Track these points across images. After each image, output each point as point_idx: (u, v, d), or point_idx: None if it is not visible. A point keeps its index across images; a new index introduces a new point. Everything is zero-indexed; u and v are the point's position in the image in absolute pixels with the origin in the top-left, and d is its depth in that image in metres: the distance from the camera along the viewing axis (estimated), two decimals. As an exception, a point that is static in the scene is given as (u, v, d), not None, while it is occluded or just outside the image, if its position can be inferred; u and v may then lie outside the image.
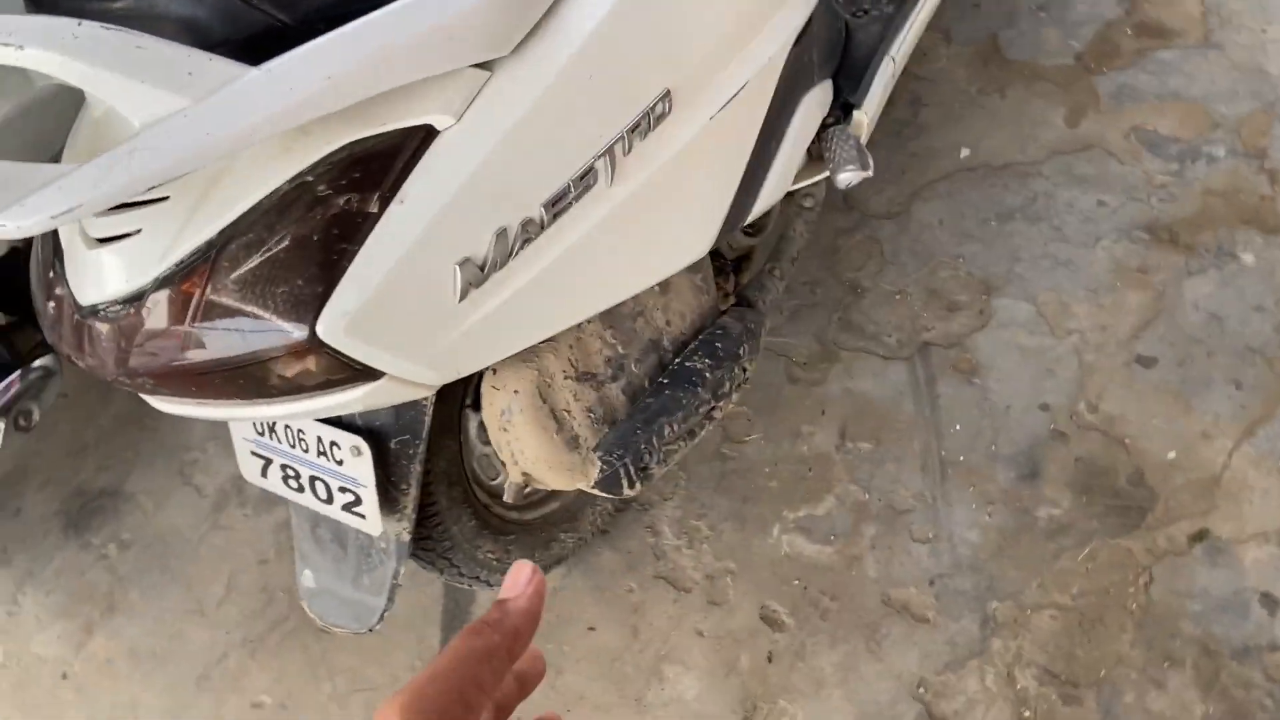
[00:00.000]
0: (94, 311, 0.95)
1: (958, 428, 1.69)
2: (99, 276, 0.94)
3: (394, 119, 0.92)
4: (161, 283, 0.91)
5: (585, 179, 1.05)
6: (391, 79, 0.87)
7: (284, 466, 1.30)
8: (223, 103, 0.80)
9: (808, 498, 1.66)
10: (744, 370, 1.41)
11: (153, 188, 0.83)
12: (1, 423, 1.53)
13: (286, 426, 1.28)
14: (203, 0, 0.91)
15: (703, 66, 1.17)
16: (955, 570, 1.55)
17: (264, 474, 1.32)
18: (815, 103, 1.45)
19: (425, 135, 0.94)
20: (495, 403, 1.26)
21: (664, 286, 1.34)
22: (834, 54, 1.53)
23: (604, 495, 1.33)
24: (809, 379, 1.79)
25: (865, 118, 1.53)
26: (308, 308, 0.90)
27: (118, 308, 0.94)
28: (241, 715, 1.61)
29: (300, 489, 1.29)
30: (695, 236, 1.27)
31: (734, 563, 1.62)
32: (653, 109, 1.09)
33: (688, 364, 1.36)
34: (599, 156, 1.05)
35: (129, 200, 0.84)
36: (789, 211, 1.64)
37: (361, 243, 0.91)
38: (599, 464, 1.27)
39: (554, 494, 1.61)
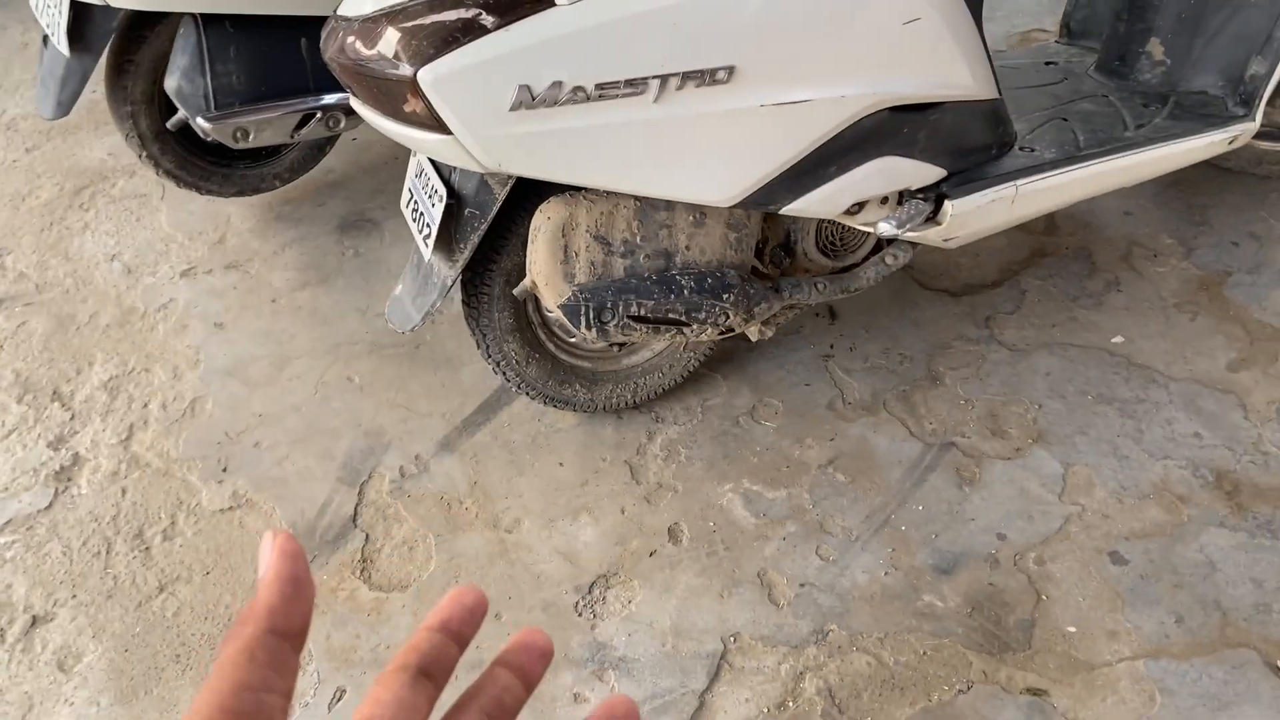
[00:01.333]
0: (341, 19, 1.46)
1: (920, 507, 1.88)
2: (355, 3, 1.46)
3: None
4: (379, 13, 1.40)
5: (635, 85, 1.38)
6: None
7: (415, 202, 1.76)
8: None
9: (769, 482, 1.95)
10: (724, 315, 1.70)
11: None
12: (324, 123, 2.24)
13: (425, 173, 1.70)
14: None
15: (773, 67, 1.43)
16: (827, 589, 1.77)
17: (408, 205, 1.80)
18: (901, 170, 1.66)
19: (546, 2, 1.34)
20: (535, 220, 1.63)
21: (700, 221, 1.66)
22: (957, 152, 1.73)
23: (564, 321, 1.66)
24: (842, 413, 2.06)
25: (950, 214, 1.72)
26: (422, 59, 1.33)
27: (353, 20, 1.43)
28: (339, 383, 2.21)
29: (412, 217, 1.75)
30: (713, 186, 1.53)
31: (681, 486, 1.95)
32: (713, 71, 1.40)
33: (678, 277, 1.67)
34: (653, 78, 1.38)
35: None
36: (870, 255, 1.92)
37: (471, 40, 1.33)
38: (570, 294, 1.64)
39: (585, 354, 1.98)
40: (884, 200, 1.72)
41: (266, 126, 2.19)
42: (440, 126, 1.39)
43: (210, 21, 2.10)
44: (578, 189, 1.59)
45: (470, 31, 1.34)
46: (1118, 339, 2.17)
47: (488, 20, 1.34)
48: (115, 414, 2.17)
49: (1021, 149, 1.88)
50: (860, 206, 1.70)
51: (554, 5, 1.34)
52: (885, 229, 1.69)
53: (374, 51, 1.39)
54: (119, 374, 2.25)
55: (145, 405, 2.18)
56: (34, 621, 1.83)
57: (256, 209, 2.63)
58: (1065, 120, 2.00)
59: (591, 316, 1.66)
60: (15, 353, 2.31)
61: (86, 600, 1.85)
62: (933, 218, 1.75)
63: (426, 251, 1.68)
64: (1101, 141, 1.94)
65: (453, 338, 2.26)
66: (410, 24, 1.37)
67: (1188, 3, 2.05)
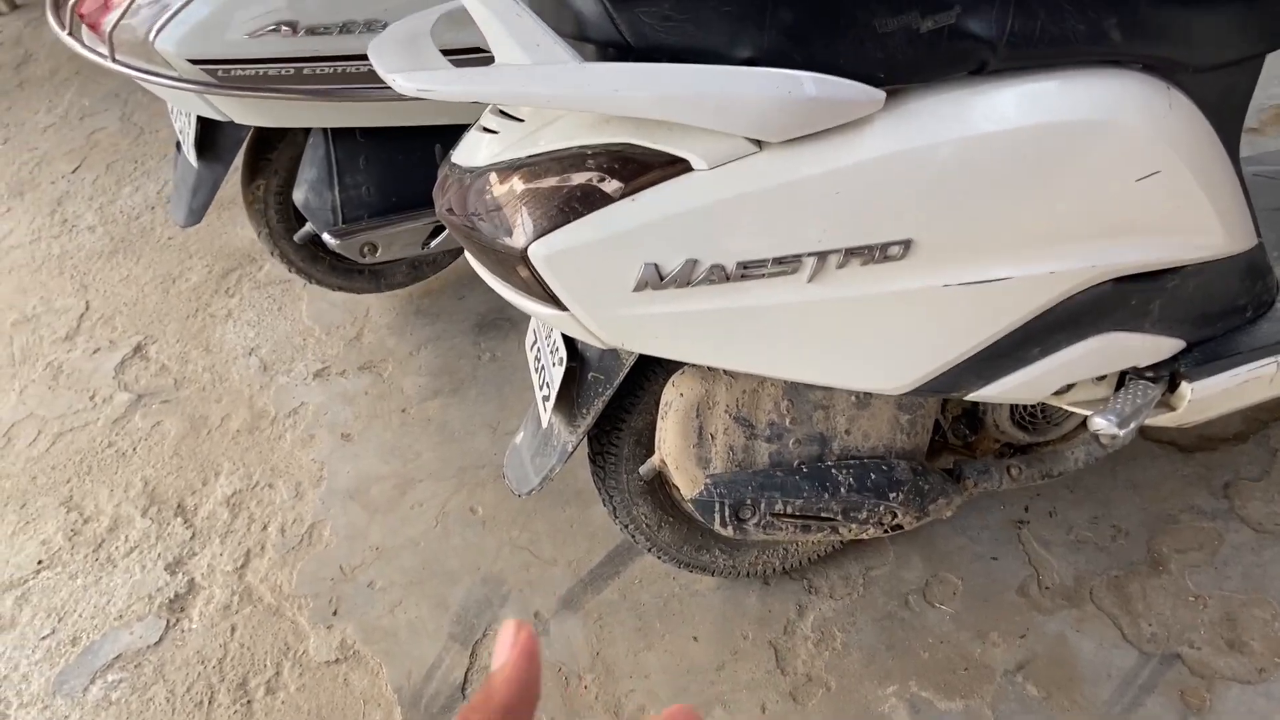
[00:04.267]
0: (455, 168, 1.31)
1: (1132, 742, 1.57)
2: (469, 149, 1.30)
3: (667, 143, 1.13)
4: (490, 169, 1.23)
5: (786, 264, 1.18)
6: (683, 117, 1.08)
7: (536, 344, 1.62)
8: (550, 72, 1.08)
9: (942, 688, 1.66)
10: (890, 515, 1.47)
11: (507, 108, 1.19)
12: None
13: (549, 328, 1.56)
14: (587, 6, 1.14)
15: (960, 240, 1.21)
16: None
17: (529, 347, 1.66)
18: (1126, 348, 1.39)
19: (680, 166, 1.14)
20: (668, 394, 1.46)
21: (864, 402, 1.44)
22: (1200, 320, 1.44)
23: (697, 516, 1.48)
24: (1036, 601, 1.75)
25: (1186, 399, 1.44)
26: (535, 231, 1.17)
27: (462, 171, 1.28)
28: (462, 514, 2.06)
29: (534, 368, 1.61)
30: (881, 373, 1.31)
31: (835, 683, 1.69)
32: (884, 247, 1.18)
33: (834, 470, 1.45)
34: (809, 255, 1.17)
35: (505, 110, 1.22)
36: (1076, 432, 1.61)
37: (590, 211, 1.15)
38: (704, 486, 1.45)
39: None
40: (1101, 377, 1.43)
41: (396, 241, 2.12)
42: (555, 301, 1.23)
43: (339, 133, 2.03)
44: (716, 364, 1.39)
45: (591, 202, 1.16)
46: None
47: (611, 187, 1.16)
48: (234, 535, 2.10)
49: None
50: (1069, 386, 1.41)
51: (690, 170, 1.14)
52: (1101, 425, 1.39)
53: (483, 213, 1.24)
54: (243, 488, 2.18)
55: (265, 527, 2.10)
56: (130, 779, 1.76)
57: (397, 300, 2.56)
58: None
59: (728, 513, 1.46)
60: (148, 457, 2.30)
61: None
62: (1164, 400, 1.44)
63: (545, 415, 1.53)
64: None
65: (585, 467, 2.07)
66: (524, 185, 1.20)
67: None
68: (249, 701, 1.82)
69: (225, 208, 2.91)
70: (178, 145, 2.17)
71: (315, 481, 2.17)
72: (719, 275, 1.18)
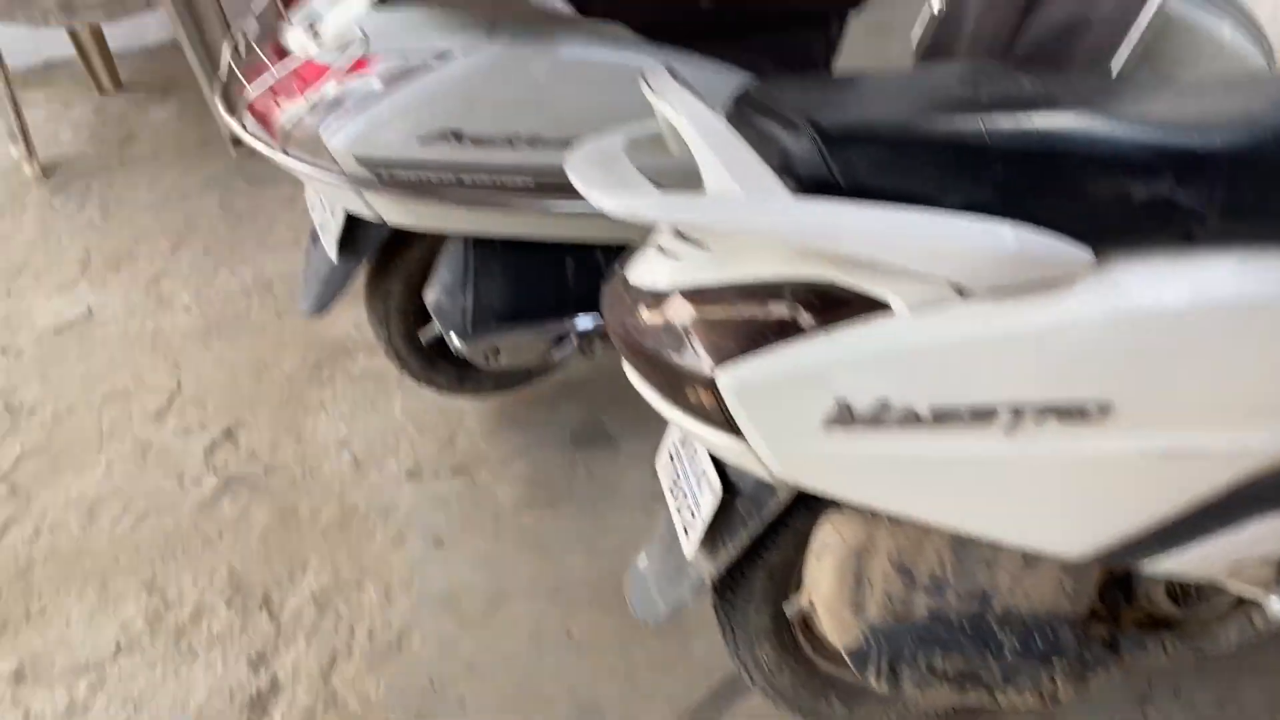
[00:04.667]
0: (629, 287, 1.31)
1: None
2: (645, 269, 1.30)
3: (868, 283, 1.12)
4: (672, 292, 1.23)
5: (981, 416, 1.15)
6: (892, 257, 1.08)
7: (677, 472, 1.57)
8: (765, 204, 1.09)
9: None
10: (1050, 683, 1.42)
11: (697, 235, 1.19)
12: (578, 347, 2.15)
13: (698, 456, 1.53)
14: (800, 144, 1.16)
15: (1161, 407, 1.18)
16: None
17: (661, 467, 1.62)
18: None
19: (879, 307, 1.13)
20: (823, 534, 1.41)
21: (1031, 562, 1.39)
22: None
23: (851, 666, 1.43)
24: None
25: None
26: (724, 356, 1.16)
27: (640, 292, 1.28)
28: (557, 635, 2.01)
29: (672, 491, 1.57)
30: (1060, 536, 1.28)
31: None
32: (1081, 407, 1.15)
33: (996, 630, 1.40)
34: (1005, 408, 1.15)
35: (683, 233, 1.22)
36: (1233, 609, 1.57)
37: (785, 342, 1.14)
38: (861, 637, 1.39)
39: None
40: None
41: (520, 348, 2.12)
42: (731, 429, 1.20)
43: (479, 240, 2.06)
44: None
45: (785, 332, 1.15)
46: None
47: (807, 321, 1.15)
48: (321, 635, 2.05)
49: None
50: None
51: (889, 312, 1.13)
52: (1278, 608, 1.35)
53: (665, 333, 1.23)
54: (331, 586, 2.15)
55: (352, 629, 2.05)
56: None
57: (491, 405, 2.55)
58: None
59: (885, 666, 1.41)
60: (234, 545, 2.27)
61: None
62: None
63: (689, 545, 1.48)
64: None
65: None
66: (714, 311, 1.20)
67: None
68: (332, 819, 1.76)
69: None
70: (313, 238, 2.20)
71: (405, 586, 2.13)
72: (911, 420, 1.15)
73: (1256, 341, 1.18)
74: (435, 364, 2.37)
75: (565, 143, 1.83)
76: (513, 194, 1.88)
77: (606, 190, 1.14)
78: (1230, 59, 1.84)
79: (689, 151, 1.21)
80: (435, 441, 2.45)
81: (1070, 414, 1.16)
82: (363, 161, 1.81)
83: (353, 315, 2.81)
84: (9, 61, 3.37)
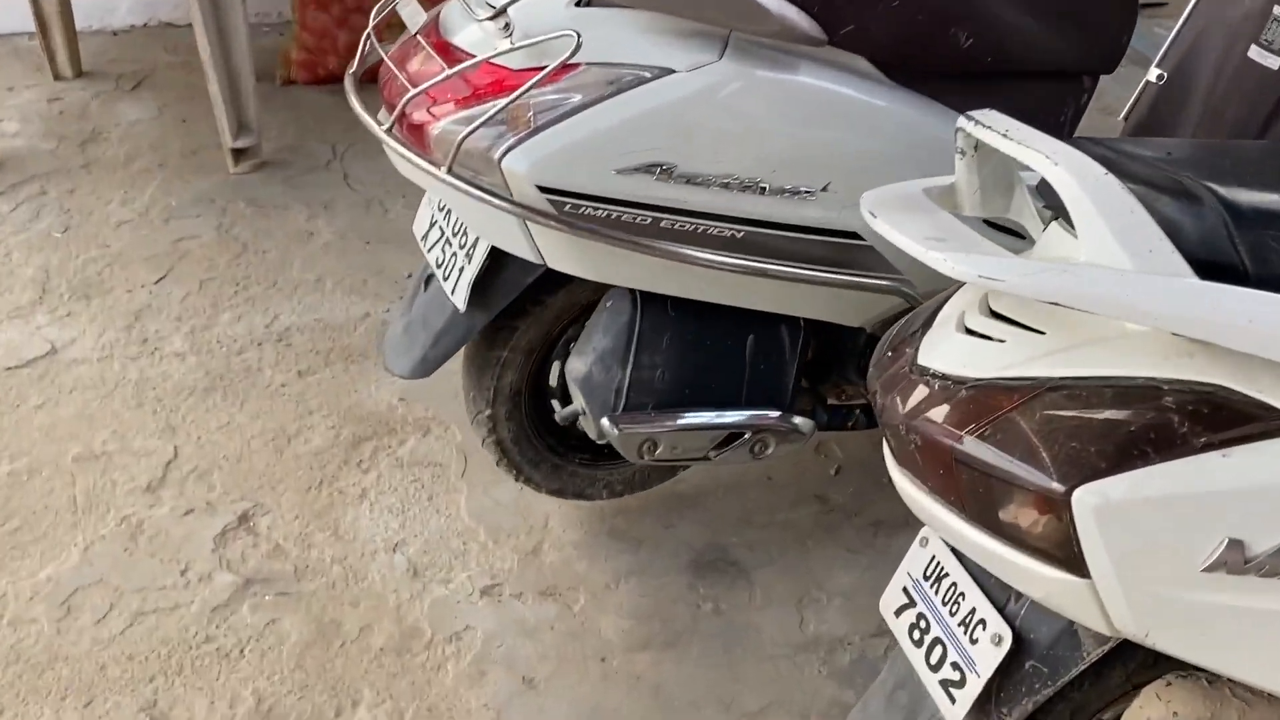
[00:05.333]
0: (924, 371, 1.14)
1: None
2: (949, 352, 1.13)
3: (1276, 395, 0.98)
4: (989, 384, 1.07)
5: None
6: None
7: (920, 615, 1.38)
8: (1166, 286, 0.95)
9: None
10: None
11: (1027, 315, 1.07)
12: (748, 446, 1.88)
13: (950, 583, 1.37)
14: (1199, 218, 1.02)
15: None
16: None
17: (898, 613, 1.41)
18: None
19: None
20: (1149, 708, 1.24)
21: None
22: None
23: None
24: None
25: None
26: (1080, 473, 1.00)
27: (944, 380, 1.11)
28: None
29: (918, 642, 1.37)
30: None
31: None
32: None
33: None
34: None
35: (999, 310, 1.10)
36: None
37: (1164, 460, 0.98)
38: None
39: None
40: None
41: (682, 442, 1.87)
42: (1073, 565, 1.05)
43: (649, 300, 1.82)
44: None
45: (1165, 448, 1.00)
46: None
47: (1196, 434, 1.00)
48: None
49: None
50: None
51: None
52: None
53: (991, 435, 1.07)
54: (388, 731, 1.78)
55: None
56: None
57: (582, 514, 2.22)
58: None
59: None
60: (260, 665, 1.88)
61: None
62: None
63: (958, 713, 1.30)
64: None
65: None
66: (1064, 413, 1.05)
67: None
68: None
69: (354, 360, 2.58)
70: (424, 280, 1.95)
71: (492, 751, 1.78)
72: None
73: None
74: (530, 435, 2.07)
75: (791, 192, 1.68)
76: (717, 247, 1.67)
77: (943, 248, 1.03)
78: None
79: (986, 209, 1.18)
80: (516, 553, 2.11)
81: None
82: (545, 190, 1.59)
83: (399, 386, 2.46)
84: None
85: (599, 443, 1.90)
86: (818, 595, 2.06)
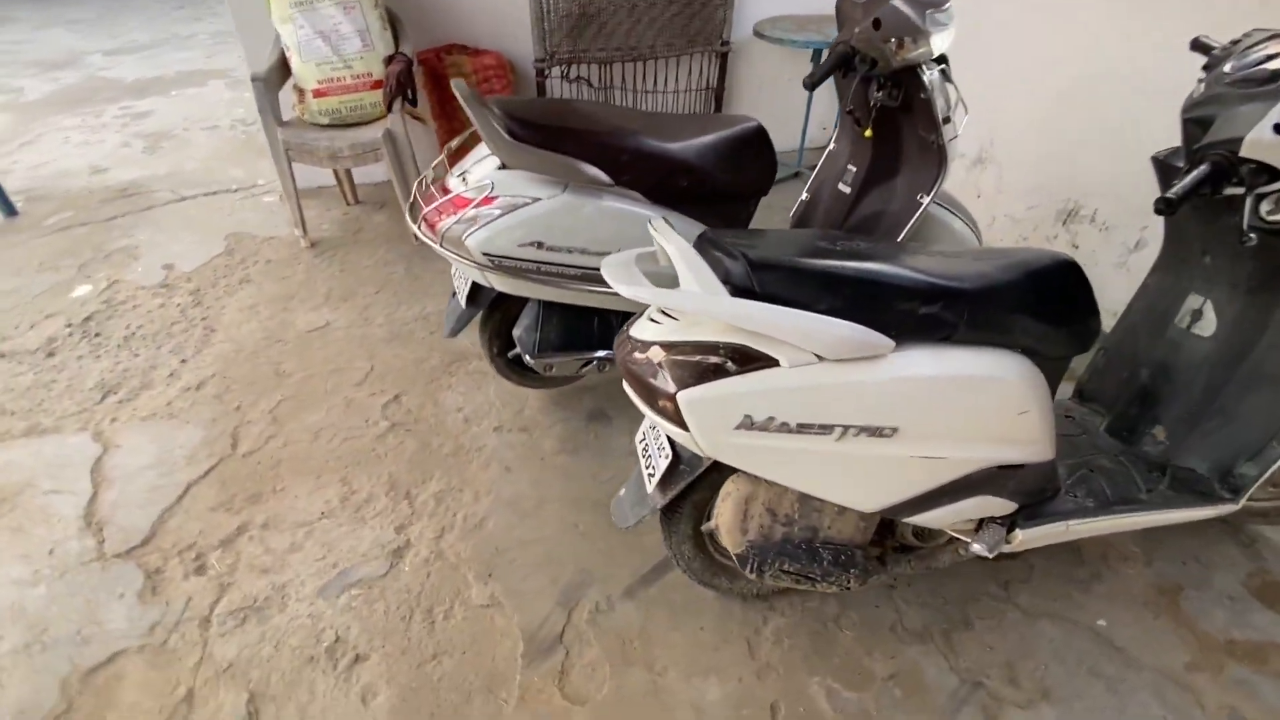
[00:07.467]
0: (630, 337, 1.29)
1: (954, 737, 1.43)
2: (641, 328, 1.26)
3: (768, 349, 1.11)
4: (656, 343, 1.21)
5: (824, 429, 1.12)
6: (781, 336, 1.09)
7: (645, 446, 1.46)
8: (713, 299, 1.09)
9: (846, 684, 1.55)
10: (847, 582, 1.38)
11: (673, 312, 1.18)
12: (596, 365, 2.06)
13: (656, 432, 1.43)
14: (736, 266, 1.14)
15: (925, 432, 1.16)
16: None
17: (638, 443, 1.49)
18: (991, 505, 1.33)
19: (773, 363, 1.11)
20: (727, 487, 1.40)
21: (842, 511, 1.36)
22: (1027, 494, 1.38)
23: (735, 564, 1.40)
24: (900, 636, 1.64)
25: (1018, 540, 1.39)
26: (682, 384, 1.15)
27: (638, 340, 1.24)
28: (571, 527, 1.95)
29: (643, 454, 1.45)
30: (862, 498, 1.25)
31: (783, 670, 1.58)
32: (881, 429, 1.12)
33: (820, 549, 1.38)
34: (838, 425, 1.12)
35: (665, 310, 1.20)
36: (946, 545, 1.55)
37: (717, 379, 1.11)
38: (743, 548, 1.37)
39: (734, 564, 1.60)
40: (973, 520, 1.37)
41: (565, 366, 2.08)
42: (682, 425, 1.18)
43: (548, 304, 2.02)
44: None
45: (719, 373, 1.14)
46: (1101, 622, 1.67)
47: (732, 367, 1.14)
48: (436, 517, 2.00)
49: (1067, 492, 1.49)
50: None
51: (777, 366, 1.12)
52: (976, 548, 1.35)
53: (649, 367, 1.20)
54: (445, 489, 2.09)
55: (454, 515, 2.01)
56: (356, 658, 1.63)
57: (544, 394, 2.45)
58: (1091, 471, 1.59)
59: (755, 566, 1.40)
60: (393, 460, 2.20)
61: (389, 651, 1.65)
62: (1007, 539, 1.38)
63: (650, 486, 1.44)
64: (1124, 499, 1.52)
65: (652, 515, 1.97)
66: (679, 357, 1.18)
67: (1189, 406, 1.55)
68: (432, 623, 1.72)
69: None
70: (454, 294, 2.14)
71: (487, 492, 2.08)
72: (785, 428, 1.14)
73: (976, 400, 1.18)
74: (515, 370, 2.29)
75: (601, 254, 1.75)
76: (569, 279, 1.83)
77: (625, 284, 1.14)
78: (959, 239, 1.86)
79: (672, 265, 1.20)
80: (510, 411, 2.36)
81: (874, 432, 1.16)
82: (485, 254, 1.77)
83: (473, 338, 2.68)
84: (299, 184, 3.33)
85: (531, 366, 2.08)
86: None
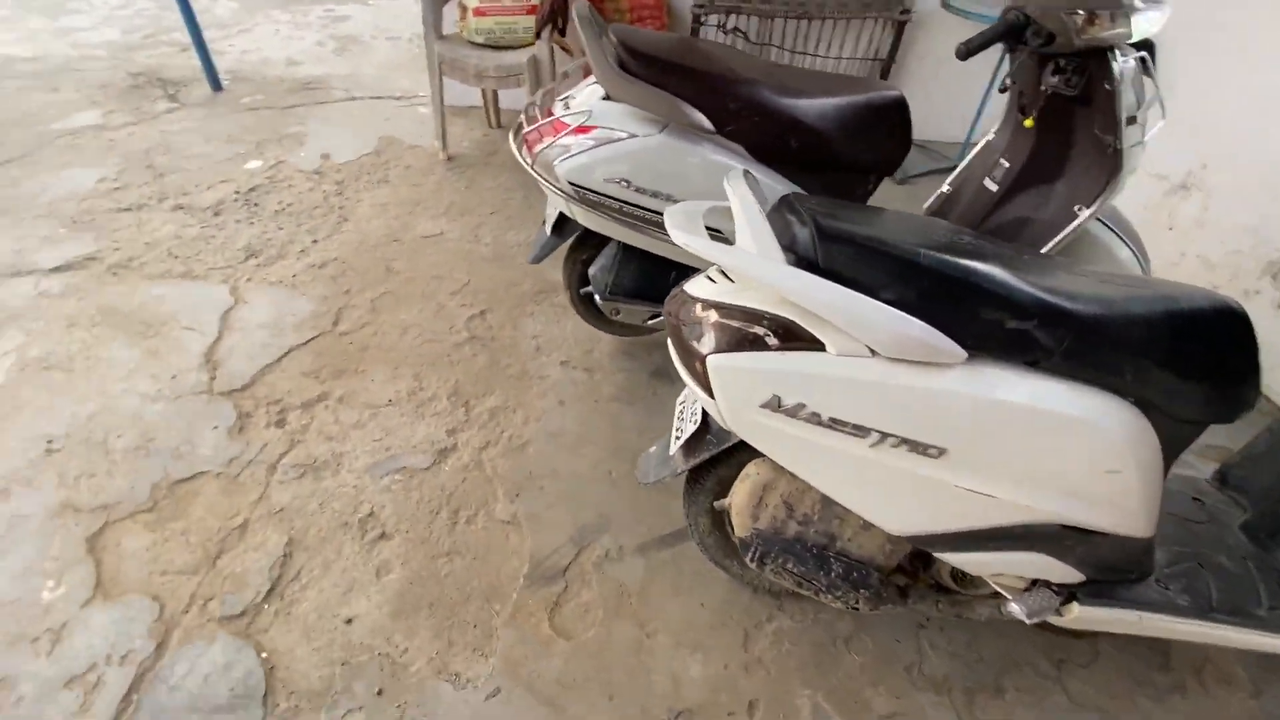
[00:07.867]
0: (684, 293, 1.11)
1: None
2: (697, 286, 1.10)
3: (817, 329, 0.91)
4: (704, 301, 1.04)
5: (860, 431, 0.91)
6: (833, 319, 0.88)
7: (682, 406, 1.34)
8: (766, 263, 0.91)
9: (839, 706, 1.31)
10: (855, 602, 1.17)
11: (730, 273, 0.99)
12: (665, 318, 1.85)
13: (692, 400, 1.33)
14: (803, 233, 0.92)
15: (977, 462, 0.91)
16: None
17: (679, 402, 1.37)
18: (1049, 567, 1.04)
19: (818, 346, 0.90)
20: (749, 469, 1.21)
21: (868, 526, 1.13)
22: (1101, 567, 1.07)
23: (739, 547, 1.22)
24: (914, 680, 1.38)
25: (1074, 614, 1.09)
26: (714, 348, 0.96)
27: (691, 297, 1.09)
28: (604, 473, 1.82)
29: (679, 416, 1.34)
30: (891, 518, 1.03)
31: (774, 671, 1.36)
32: (927, 447, 0.90)
33: (831, 558, 1.17)
34: (877, 431, 0.90)
35: (724, 270, 1.00)
36: (987, 597, 1.23)
37: (754, 350, 0.94)
38: (750, 533, 1.18)
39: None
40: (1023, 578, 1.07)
41: (633, 313, 1.92)
42: (710, 393, 1.01)
43: (627, 246, 1.85)
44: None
45: (757, 344, 0.95)
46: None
47: (772, 341, 0.95)
48: (486, 430, 1.92)
49: (1158, 581, 1.13)
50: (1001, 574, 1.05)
51: (823, 350, 0.91)
52: (1015, 610, 1.06)
53: (691, 325, 1.03)
54: (500, 406, 2.01)
55: (502, 432, 1.91)
56: (382, 535, 1.59)
57: (618, 341, 2.31)
58: (1202, 568, 1.21)
59: (757, 556, 1.21)
60: (463, 369, 2.16)
61: (411, 537, 1.60)
62: (1058, 608, 1.06)
63: (675, 448, 1.30)
64: (1233, 609, 1.14)
65: (678, 483, 1.77)
66: (721, 319, 1.00)
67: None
68: (454, 523, 1.65)
69: (553, 261, 2.65)
70: (544, 222, 2.01)
71: (538, 418, 1.98)
72: (815, 419, 0.94)
73: (1053, 442, 0.89)
74: (590, 309, 2.14)
75: (674, 199, 1.59)
76: (649, 224, 1.65)
77: (681, 231, 0.98)
78: (1119, 268, 1.44)
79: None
80: (580, 350, 2.25)
81: (917, 447, 0.92)
82: (572, 184, 1.62)
83: (557, 274, 2.56)
84: (448, 100, 3.29)
85: (602, 309, 1.93)
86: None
